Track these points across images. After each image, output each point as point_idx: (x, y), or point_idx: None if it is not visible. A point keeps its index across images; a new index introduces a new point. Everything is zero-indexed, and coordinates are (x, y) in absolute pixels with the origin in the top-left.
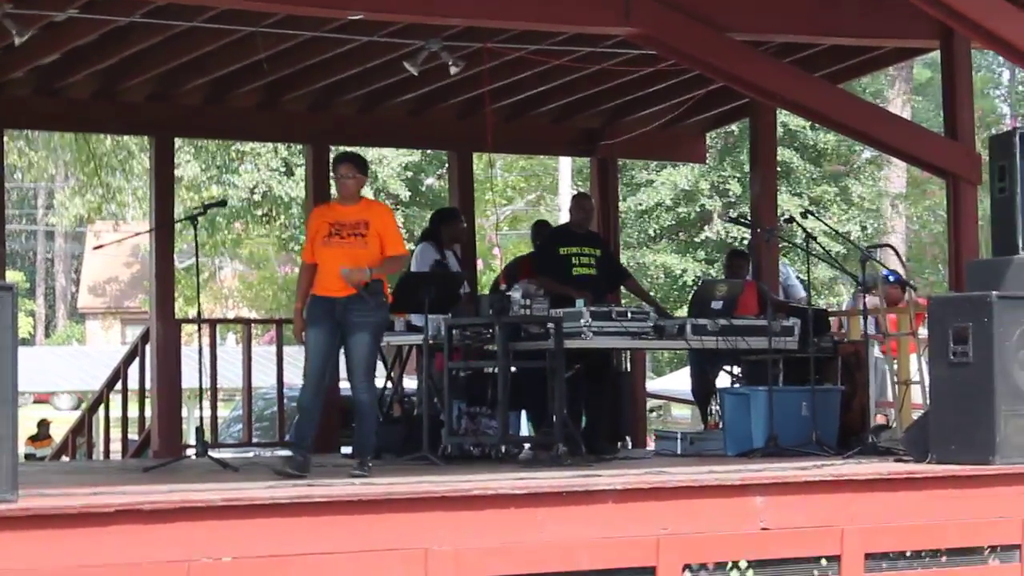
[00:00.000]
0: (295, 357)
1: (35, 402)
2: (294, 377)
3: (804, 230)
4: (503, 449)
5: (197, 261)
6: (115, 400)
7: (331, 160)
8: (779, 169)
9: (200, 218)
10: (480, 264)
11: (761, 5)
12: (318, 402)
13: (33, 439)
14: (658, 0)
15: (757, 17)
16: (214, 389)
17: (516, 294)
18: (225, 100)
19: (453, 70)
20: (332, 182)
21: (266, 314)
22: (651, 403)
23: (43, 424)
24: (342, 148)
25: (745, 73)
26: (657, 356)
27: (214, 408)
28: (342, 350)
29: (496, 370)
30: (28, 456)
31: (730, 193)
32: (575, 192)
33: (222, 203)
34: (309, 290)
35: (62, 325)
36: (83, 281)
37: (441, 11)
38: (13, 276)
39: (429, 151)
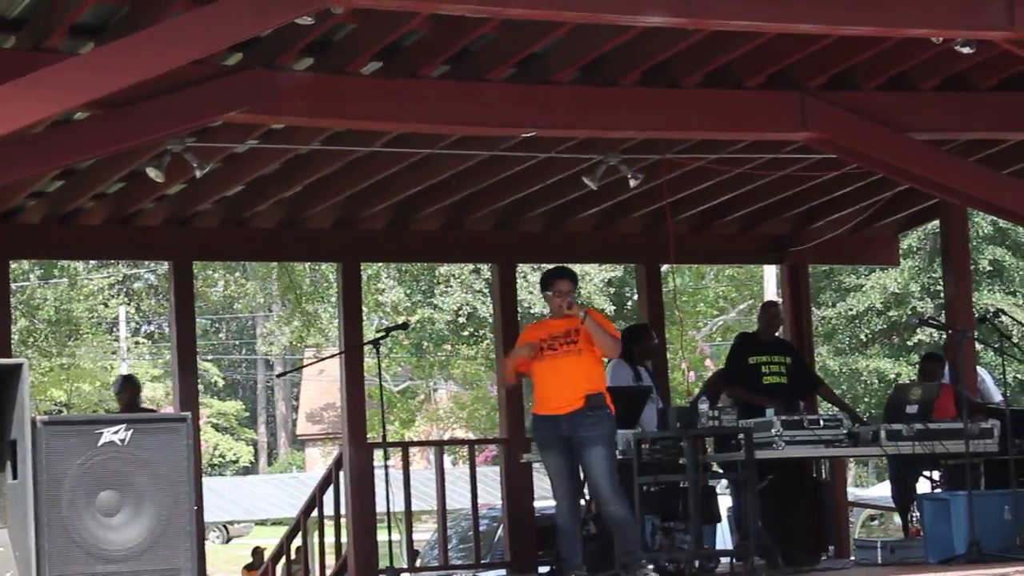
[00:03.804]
0: (490, 477)
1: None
2: (491, 497)
3: (998, 329)
4: (697, 564)
5: (381, 385)
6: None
7: (545, 276)
8: (991, 268)
9: (386, 340)
10: (693, 376)
11: (942, 104)
12: (576, 521)
13: (248, 568)
14: (835, 103)
15: (938, 116)
16: (408, 512)
17: (704, 406)
18: (409, 223)
19: (633, 183)
20: (544, 298)
21: (481, 434)
22: (870, 512)
23: (256, 552)
24: (531, 265)
25: (929, 173)
26: (877, 463)
27: (409, 531)
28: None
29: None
30: None
31: (942, 295)
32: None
33: (403, 326)
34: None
35: (284, 452)
36: (301, 408)
37: (615, 125)
38: (231, 405)
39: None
